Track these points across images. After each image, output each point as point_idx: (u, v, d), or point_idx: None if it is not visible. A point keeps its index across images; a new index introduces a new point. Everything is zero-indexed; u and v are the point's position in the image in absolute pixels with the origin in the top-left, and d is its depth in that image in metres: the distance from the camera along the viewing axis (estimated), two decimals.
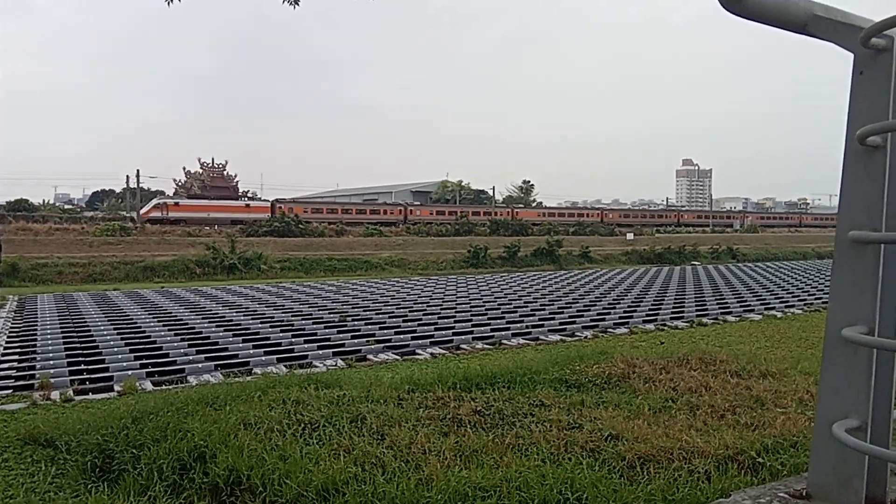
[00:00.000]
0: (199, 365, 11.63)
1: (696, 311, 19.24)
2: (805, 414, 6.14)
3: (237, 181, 77.09)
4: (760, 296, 23.46)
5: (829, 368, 1.39)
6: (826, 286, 27.48)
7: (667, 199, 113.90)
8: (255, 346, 13.35)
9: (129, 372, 10.93)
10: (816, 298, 22.53)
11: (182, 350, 12.88)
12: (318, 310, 18.81)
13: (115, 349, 12.96)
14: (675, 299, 21.93)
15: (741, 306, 20.50)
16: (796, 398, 6.81)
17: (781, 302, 21.71)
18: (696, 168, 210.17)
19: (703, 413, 6.37)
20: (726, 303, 21.26)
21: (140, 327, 15.70)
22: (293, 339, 14.09)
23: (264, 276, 33.28)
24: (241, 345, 13.53)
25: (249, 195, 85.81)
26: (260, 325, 15.93)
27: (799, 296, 23.61)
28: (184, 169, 75.48)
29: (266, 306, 19.79)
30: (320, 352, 12.87)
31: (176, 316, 17.63)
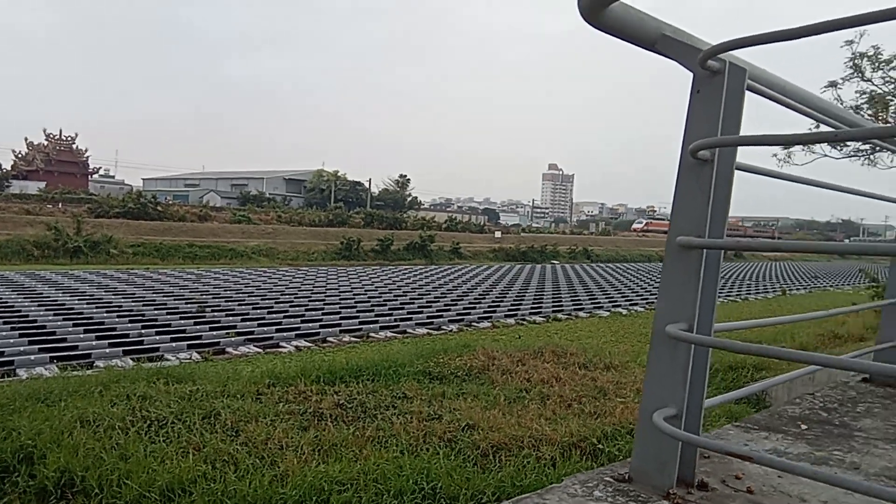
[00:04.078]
0: (32, 357, 10.45)
1: (553, 307, 20.41)
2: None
3: (88, 156, 70.35)
4: (609, 294, 25.34)
5: (653, 361, 1.52)
6: None
7: (532, 200, 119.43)
8: (98, 337, 12.25)
9: None
10: (657, 298, 24.73)
11: (12, 340, 11.51)
12: (174, 299, 17.63)
13: None
14: (535, 296, 23.08)
15: (592, 303, 22.03)
16: (634, 388, 7.43)
17: (627, 300, 23.60)
18: (561, 173, 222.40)
19: (552, 403, 6.77)
20: (579, 300, 22.73)
21: None
22: (143, 331, 13.09)
23: (114, 261, 30.57)
24: (82, 335, 12.35)
25: (101, 172, 78.62)
26: (105, 315, 14.63)
27: (642, 295, 25.78)
28: (26, 140, 67.50)
29: (114, 294, 18.22)
30: (173, 344, 12.07)
31: (6, 302, 15.72)
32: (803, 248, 1.39)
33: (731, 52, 1.52)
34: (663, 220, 79.18)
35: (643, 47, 1.58)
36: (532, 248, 50.65)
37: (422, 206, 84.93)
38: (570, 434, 5.51)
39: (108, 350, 11.29)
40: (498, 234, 56.53)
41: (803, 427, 2.14)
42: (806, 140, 1.34)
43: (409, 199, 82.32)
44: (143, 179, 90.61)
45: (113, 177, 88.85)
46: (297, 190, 78.92)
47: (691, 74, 1.56)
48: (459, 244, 46.86)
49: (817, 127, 2.50)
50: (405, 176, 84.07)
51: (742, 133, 1.57)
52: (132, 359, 10.76)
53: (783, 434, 2.05)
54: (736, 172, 1.59)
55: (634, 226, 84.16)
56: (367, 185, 74.69)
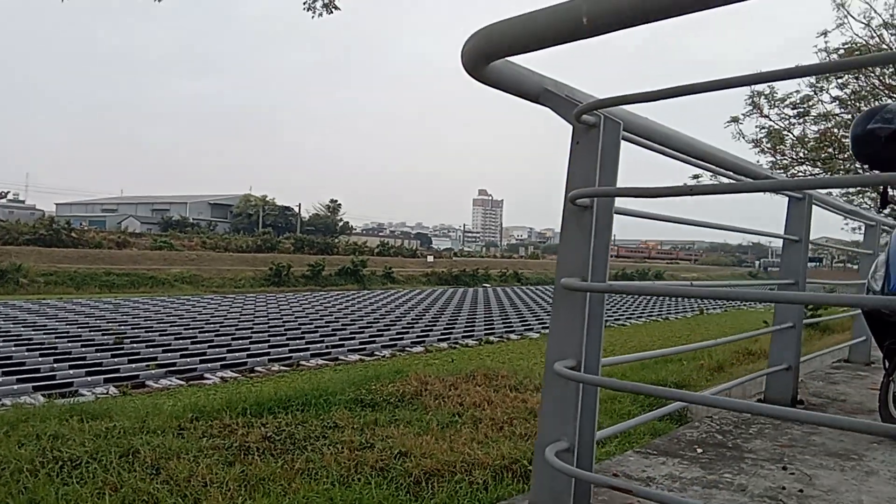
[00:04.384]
0: None
1: (485, 329, 20.69)
2: None
3: None
4: (539, 316, 25.90)
5: (546, 397, 1.62)
6: None
7: (464, 225, 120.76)
8: (5, 373, 11.51)
9: None
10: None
11: None
12: (89, 330, 16.76)
13: None
14: (467, 319, 23.32)
15: (522, 325, 22.47)
16: None
17: None
18: (490, 198, 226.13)
19: (484, 426, 6.85)
20: (510, 322, 23.13)
21: None
22: (55, 365, 12.38)
23: (24, 290, 28.74)
24: None
25: (10, 197, 74.03)
26: (14, 349, 13.74)
27: None
28: None
29: (24, 326, 17.13)
30: (89, 378, 11.47)
31: None
32: (683, 293, 1.51)
33: (614, 104, 1.60)
34: None
35: (528, 100, 1.65)
36: (464, 271, 51.14)
37: (354, 231, 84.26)
38: (501, 457, 5.59)
39: (16, 386, 10.62)
40: (430, 259, 56.85)
41: (699, 451, 2.31)
42: (668, 193, 1.45)
43: (341, 224, 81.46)
44: (57, 204, 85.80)
45: (23, 202, 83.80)
46: (222, 215, 76.69)
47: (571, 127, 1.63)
48: (392, 269, 46.77)
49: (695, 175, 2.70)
50: (336, 201, 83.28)
51: (620, 181, 1.65)
52: (43, 395, 10.14)
53: (680, 459, 2.21)
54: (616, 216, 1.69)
55: None
56: (296, 210, 73.55)
